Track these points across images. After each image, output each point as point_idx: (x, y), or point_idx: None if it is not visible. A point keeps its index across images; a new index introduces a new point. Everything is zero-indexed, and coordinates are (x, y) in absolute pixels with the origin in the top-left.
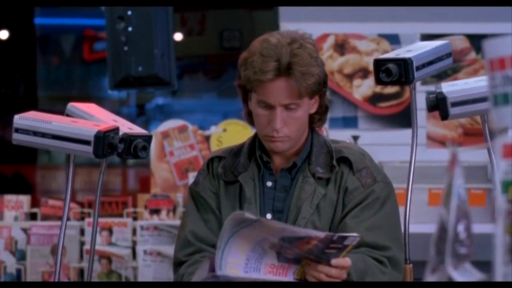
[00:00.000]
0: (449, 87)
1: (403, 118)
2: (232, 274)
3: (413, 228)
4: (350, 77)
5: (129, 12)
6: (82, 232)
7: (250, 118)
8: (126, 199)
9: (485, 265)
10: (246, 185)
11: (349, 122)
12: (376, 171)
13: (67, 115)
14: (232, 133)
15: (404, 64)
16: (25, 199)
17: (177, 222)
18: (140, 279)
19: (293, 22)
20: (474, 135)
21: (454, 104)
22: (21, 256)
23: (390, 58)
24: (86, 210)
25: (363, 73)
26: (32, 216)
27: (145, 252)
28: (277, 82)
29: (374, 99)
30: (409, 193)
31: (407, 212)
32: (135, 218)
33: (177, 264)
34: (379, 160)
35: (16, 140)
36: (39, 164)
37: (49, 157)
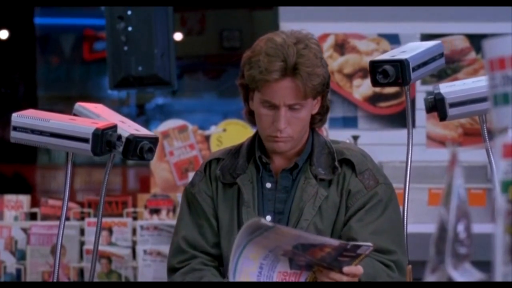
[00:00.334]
0: (447, 88)
1: (403, 118)
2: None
3: (413, 228)
4: (350, 77)
5: (129, 12)
6: (82, 232)
7: (250, 118)
8: (126, 199)
9: (485, 265)
10: (245, 188)
11: (349, 122)
12: (378, 173)
13: (75, 115)
14: (232, 133)
15: (400, 65)
16: (25, 199)
17: None
18: (140, 279)
19: (293, 22)
20: (474, 135)
21: (453, 105)
22: (21, 256)
23: (386, 60)
24: (86, 210)
25: (363, 73)
26: (32, 216)
27: (145, 252)
28: (282, 82)
29: (374, 99)
30: (406, 194)
31: (405, 213)
32: (135, 218)
33: (171, 270)
34: (379, 160)
35: (14, 138)
36: (39, 164)
37: (49, 157)
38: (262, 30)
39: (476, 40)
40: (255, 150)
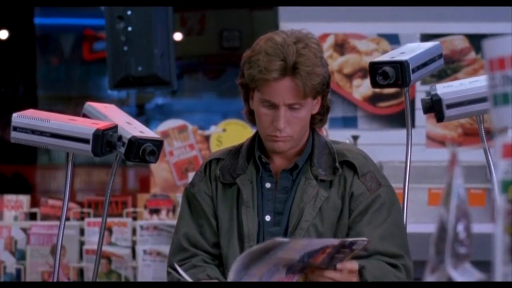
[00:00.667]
0: (444, 89)
1: (402, 118)
2: None
3: (413, 228)
4: (349, 77)
5: (129, 12)
6: (81, 232)
7: (251, 117)
8: (125, 199)
9: (485, 265)
10: (244, 188)
11: (349, 122)
12: (379, 175)
13: (84, 114)
14: (232, 133)
15: (400, 66)
16: (24, 199)
17: None
18: (140, 279)
19: (292, 22)
20: (473, 135)
21: (450, 106)
22: (20, 256)
23: (386, 61)
24: (85, 210)
25: (363, 73)
26: (32, 216)
27: (144, 252)
28: (282, 81)
29: (374, 99)
30: (406, 194)
31: (405, 213)
32: (134, 218)
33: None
34: (378, 160)
35: (14, 139)
36: (39, 164)
37: (49, 157)
38: (262, 30)
39: (476, 40)
40: (255, 150)
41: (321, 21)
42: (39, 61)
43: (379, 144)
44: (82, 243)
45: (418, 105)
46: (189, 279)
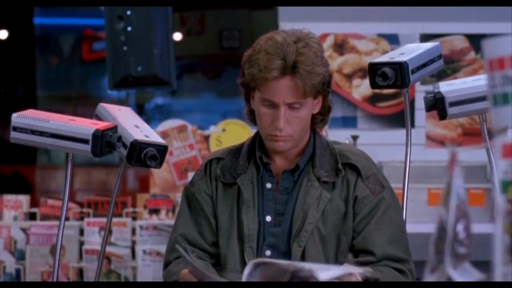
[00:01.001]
0: (447, 87)
1: (402, 118)
2: None
3: (413, 228)
4: (349, 77)
5: (129, 12)
6: (81, 232)
7: (251, 117)
8: (125, 199)
9: (484, 265)
10: (245, 188)
11: (349, 122)
12: (382, 177)
13: (96, 115)
14: (232, 133)
15: (400, 67)
16: (24, 199)
17: None
18: (140, 279)
19: (292, 22)
20: (473, 135)
21: (452, 104)
22: (20, 256)
23: (385, 62)
24: (85, 210)
25: (363, 73)
26: (32, 216)
27: (144, 252)
28: (282, 80)
29: (374, 99)
30: (405, 195)
31: (405, 213)
32: (134, 218)
33: (167, 265)
34: (378, 160)
35: (14, 139)
36: (38, 164)
37: (48, 157)
38: (261, 30)
39: (475, 40)
40: (256, 150)
41: (321, 21)
42: (39, 61)
43: (378, 144)
44: (81, 243)
45: (418, 105)
46: (194, 259)
